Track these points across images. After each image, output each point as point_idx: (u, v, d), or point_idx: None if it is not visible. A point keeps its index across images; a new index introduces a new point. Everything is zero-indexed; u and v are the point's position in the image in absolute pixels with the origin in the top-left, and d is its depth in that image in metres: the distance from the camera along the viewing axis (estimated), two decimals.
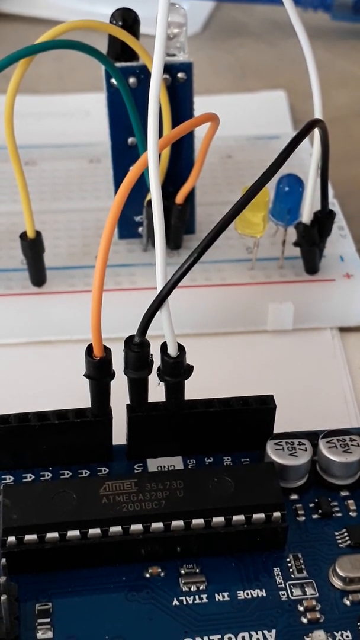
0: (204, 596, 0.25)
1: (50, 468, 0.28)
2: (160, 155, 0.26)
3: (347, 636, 0.24)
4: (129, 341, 0.26)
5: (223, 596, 0.25)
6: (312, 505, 0.27)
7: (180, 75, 0.32)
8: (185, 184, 0.33)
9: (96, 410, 0.27)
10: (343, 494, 0.28)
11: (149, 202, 0.33)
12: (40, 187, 0.38)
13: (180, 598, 0.25)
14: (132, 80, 0.32)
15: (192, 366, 0.27)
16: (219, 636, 0.24)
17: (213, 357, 0.33)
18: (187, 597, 0.25)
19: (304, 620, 0.25)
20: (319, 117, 0.30)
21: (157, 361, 0.26)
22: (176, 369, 0.26)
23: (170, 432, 0.28)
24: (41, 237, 0.33)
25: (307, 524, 0.27)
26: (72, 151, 0.41)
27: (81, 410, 0.27)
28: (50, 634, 0.24)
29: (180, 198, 0.34)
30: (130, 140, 0.33)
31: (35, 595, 0.25)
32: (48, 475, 0.28)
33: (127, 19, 0.31)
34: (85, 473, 0.28)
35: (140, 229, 0.35)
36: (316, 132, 0.30)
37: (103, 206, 0.37)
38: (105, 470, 0.28)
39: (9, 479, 0.28)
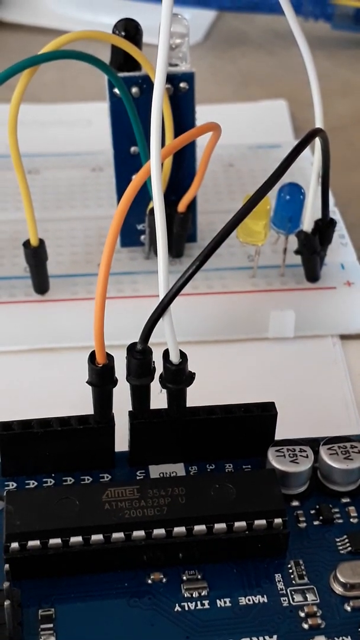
0: (206, 602, 0.25)
1: (53, 474, 0.28)
2: (162, 164, 0.26)
3: None
4: (131, 348, 0.26)
5: (225, 602, 0.25)
6: (313, 511, 0.28)
7: (182, 85, 0.32)
8: (187, 192, 0.34)
9: (99, 417, 0.27)
10: (344, 500, 0.28)
11: (152, 210, 0.34)
12: (43, 196, 0.39)
13: (182, 604, 0.25)
14: (134, 90, 0.32)
15: (194, 373, 0.27)
16: None
17: (215, 365, 0.33)
18: (189, 603, 0.25)
19: (305, 626, 0.25)
20: (319, 127, 0.30)
21: (159, 368, 0.27)
22: (178, 376, 0.26)
23: (172, 439, 0.28)
24: (44, 245, 0.33)
25: (308, 530, 0.27)
26: (74, 160, 0.41)
27: (84, 417, 0.28)
28: None
29: (182, 206, 0.34)
30: (132, 149, 0.33)
31: (38, 601, 0.25)
32: (51, 482, 0.28)
33: (130, 30, 0.32)
34: (88, 479, 0.28)
35: (142, 237, 0.36)
36: (317, 141, 0.30)
37: (105, 214, 0.38)
38: (107, 477, 0.28)
39: (12, 485, 0.28)
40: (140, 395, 0.27)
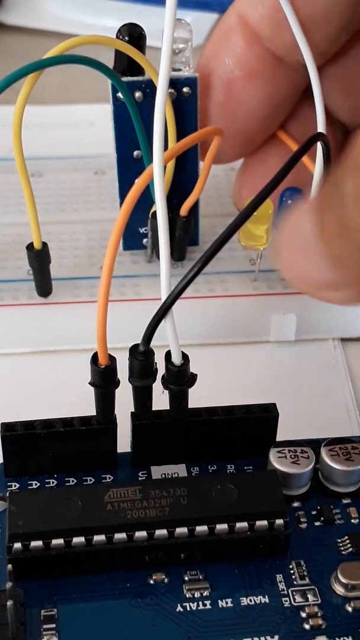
0: (208, 602, 0.25)
1: (56, 475, 0.28)
2: (165, 168, 0.26)
3: None
4: (133, 350, 0.26)
5: (226, 602, 0.25)
6: (314, 512, 0.28)
7: (185, 89, 0.32)
8: (190, 196, 0.34)
9: (101, 418, 0.27)
10: (345, 501, 0.28)
11: (154, 213, 0.34)
12: (46, 199, 0.39)
13: (184, 604, 0.25)
14: (138, 94, 0.32)
15: (196, 374, 0.27)
16: None
17: (216, 367, 0.33)
18: (191, 603, 0.25)
19: (307, 627, 0.25)
20: (321, 131, 0.30)
21: (161, 370, 0.27)
22: (180, 377, 0.27)
23: (174, 440, 0.28)
24: (47, 248, 0.33)
25: (310, 531, 0.27)
26: (77, 163, 0.41)
27: (86, 418, 0.28)
28: None
29: (184, 210, 0.34)
30: (135, 153, 0.34)
31: (41, 601, 0.25)
32: (53, 483, 0.28)
33: (133, 34, 0.32)
34: (90, 480, 0.28)
35: (145, 240, 0.36)
36: (318, 146, 0.30)
37: (108, 217, 0.38)
38: (109, 478, 0.28)
39: (15, 486, 0.28)
40: (142, 396, 0.27)
